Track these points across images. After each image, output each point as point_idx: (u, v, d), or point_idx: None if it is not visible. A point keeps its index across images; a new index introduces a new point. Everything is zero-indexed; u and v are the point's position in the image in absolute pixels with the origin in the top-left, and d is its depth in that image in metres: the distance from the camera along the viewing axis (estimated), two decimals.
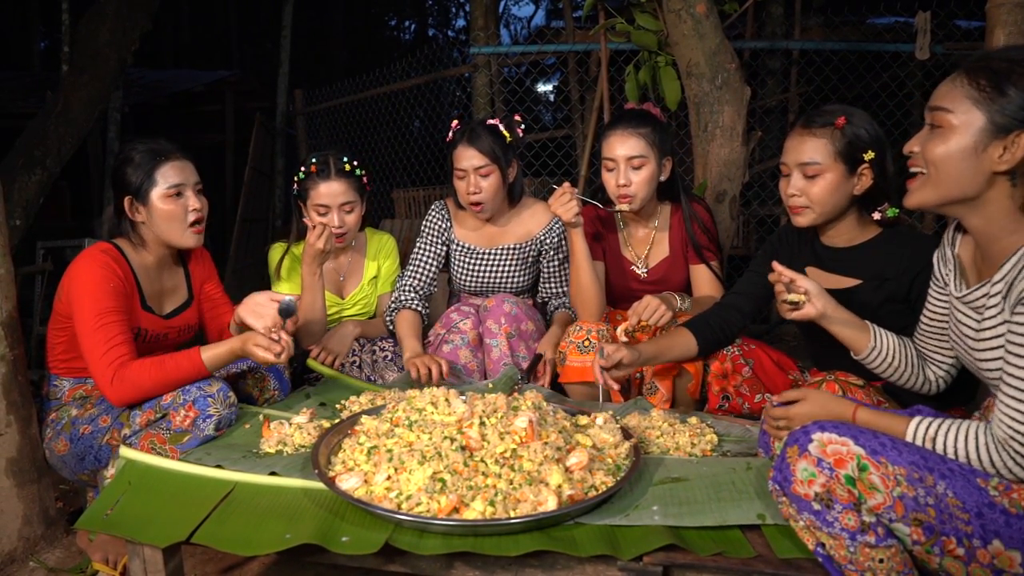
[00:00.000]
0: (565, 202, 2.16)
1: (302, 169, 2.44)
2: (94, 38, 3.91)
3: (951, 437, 1.19)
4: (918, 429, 1.23)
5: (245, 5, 16.65)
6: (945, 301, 1.47)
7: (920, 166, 1.28)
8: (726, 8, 3.02)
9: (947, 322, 1.46)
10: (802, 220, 1.83)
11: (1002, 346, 1.20)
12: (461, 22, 21.58)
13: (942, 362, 1.57)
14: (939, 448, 1.20)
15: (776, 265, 1.65)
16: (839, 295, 1.70)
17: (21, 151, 3.77)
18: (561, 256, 2.56)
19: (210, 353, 1.80)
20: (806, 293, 1.62)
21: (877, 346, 1.60)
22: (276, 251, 2.58)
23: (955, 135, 1.21)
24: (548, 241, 2.55)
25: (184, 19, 16.25)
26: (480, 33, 4.39)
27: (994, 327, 1.23)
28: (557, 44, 4.63)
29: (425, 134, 5.88)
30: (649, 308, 2.07)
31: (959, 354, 1.37)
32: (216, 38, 17.05)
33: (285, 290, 2.52)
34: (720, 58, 2.71)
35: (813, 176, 1.77)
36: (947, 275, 1.40)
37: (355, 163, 2.45)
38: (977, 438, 1.17)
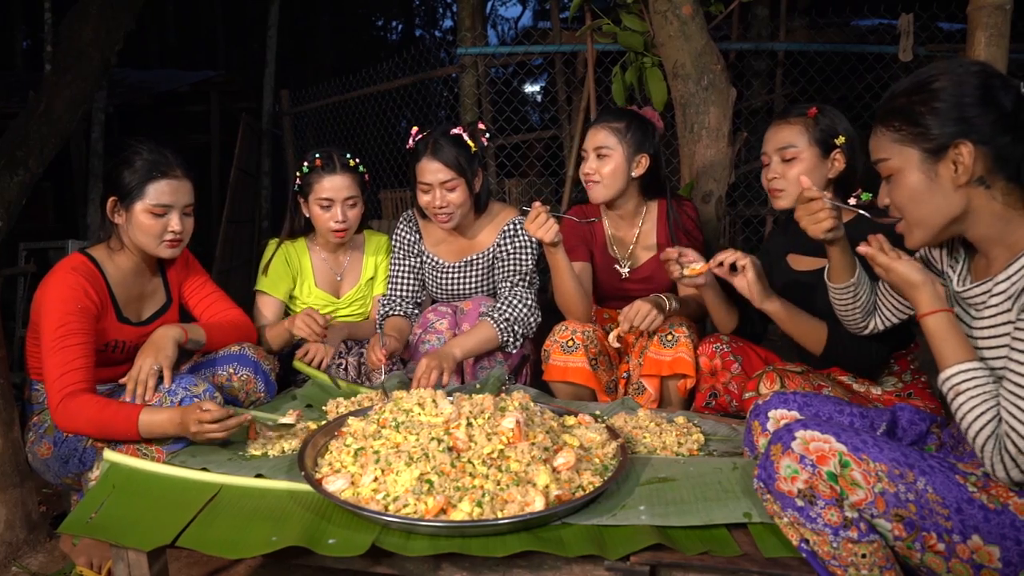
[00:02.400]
0: (542, 223, 2.06)
1: (305, 164, 2.44)
2: (77, 38, 3.87)
3: (969, 405, 1.17)
4: (956, 376, 1.20)
5: (231, 5, 16.53)
6: None
7: (895, 215, 1.34)
8: (712, 9, 3.04)
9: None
10: (782, 203, 1.99)
11: (1001, 346, 1.22)
12: (448, 22, 21.57)
13: (887, 317, 1.66)
14: (955, 405, 1.19)
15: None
16: (813, 275, 1.88)
17: (3, 152, 3.73)
18: (511, 248, 2.48)
19: (148, 417, 1.69)
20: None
21: (856, 282, 1.68)
22: (272, 247, 2.57)
23: (904, 176, 1.27)
24: (501, 243, 2.50)
25: (169, 19, 16.12)
26: (467, 34, 4.38)
27: (993, 326, 1.24)
28: (544, 45, 4.64)
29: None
30: (640, 314, 2.08)
31: None
32: (202, 38, 16.93)
33: (266, 287, 2.51)
34: (706, 59, 2.72)
35: (790, 160, 1.95)
36: (950, 266, 1.41)
37: (357, 160, 2.47)
38: (988, 424, 1.15)
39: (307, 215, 2.50)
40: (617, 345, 2.21)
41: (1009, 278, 1.21)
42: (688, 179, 2.86)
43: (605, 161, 2.29)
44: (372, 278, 2.64)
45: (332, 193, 2.41)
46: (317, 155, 2.44)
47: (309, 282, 2.57)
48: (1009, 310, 1.21)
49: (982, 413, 1.17)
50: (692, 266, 1.95)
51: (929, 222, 1.28)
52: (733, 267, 1.87)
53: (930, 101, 1.22)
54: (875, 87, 4.42)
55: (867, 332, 1.72)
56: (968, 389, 1.19)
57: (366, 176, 2.51)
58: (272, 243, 2.59)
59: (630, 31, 3.02)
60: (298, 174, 2.47)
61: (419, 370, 2.10)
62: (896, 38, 3.71)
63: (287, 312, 2.57)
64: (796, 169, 1.93)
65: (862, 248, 1.41)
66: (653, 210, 2.44)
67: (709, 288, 2.05)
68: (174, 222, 1.93)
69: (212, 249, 5.99)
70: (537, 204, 2.10)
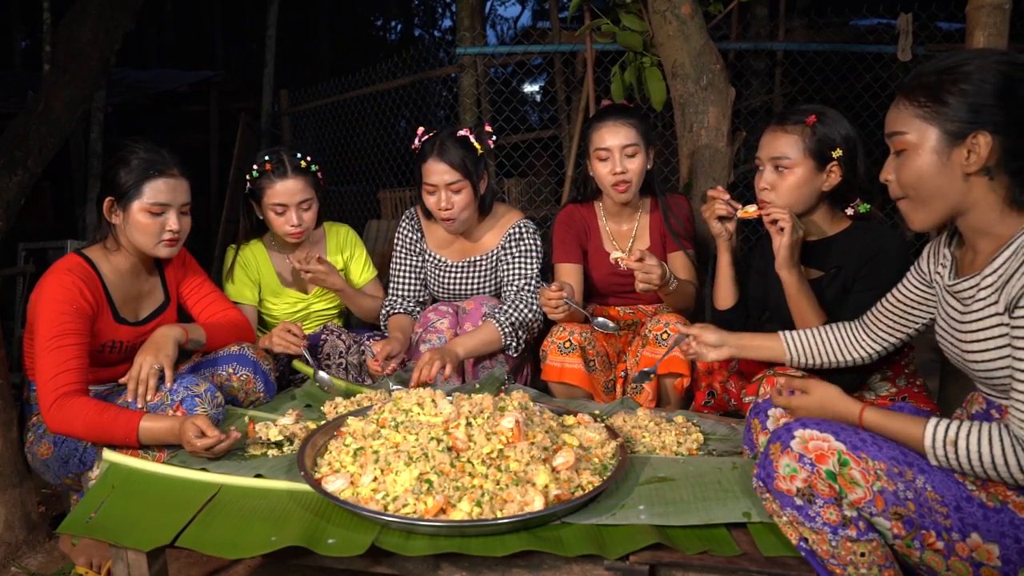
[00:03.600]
0: (554, 306, 2.13)
1: (255, 167, 2.40)
2: (76, 37, 3.86)
3: (974, 440, 1.15)
4: (936, 432, 1.18)
5: (230, 5, 16.53)
6: (920, 293, 1.51)
7: (898, 193, 1.32)
8: (711, 9, 3.04)
9: (909, 309, 1.54)
10: None
11: (989, 338, 1.22)
12: (447, 22, 21.57)
13: (883, 339, 1.64)
14: (961, 451, 1.15)
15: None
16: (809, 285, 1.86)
17: (2, 152, 3.72)
18: (517, 251, 2.51)
19: (149, 424, 1.68)
20: (696, 338, 1.84)
21: (793, 356, 1.76)
22: (231, 254, 2.54)
23: (918, 154, 1.26)
24: (506, 246, 2.52)
25: (168, 18, 16.12)
26: (466, 33, 4.38)
27: (982, 319, 1.24)
28: (543, 45, 4.63)
29: (411, 134, 5.84)
30: (651, 266, 2.05)
31: (943, 347, 1.39)
32: (200, 38, 16.92)
33: (235, 296, 2.46)
34: (705, 59, 2.72)
35: (783, 170, 1.86)
36: (939, 271, 1.42)
37: (309, 159, 2.42)
38: (1002, 440, 1.12)
39: (260, 217, 2.46)
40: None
41: (995, 271, 1.22)
42: (687, 178, 2.86)
43: (634, 159, 2.29)
44: (341, 270, 2.61)
45: (285, 198, 2.37)
46: (267, 158, 2.38)
47: (274, 284, 2.54)
48: (996, 302, 1.21)
49: (990, 436, 1.14)
50: (746, 208, 1.95)
51: (932, 205, 1.27)
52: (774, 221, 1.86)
53: (959, 83, 1.21)
54: (874, 87, 4.42)
55: (853, 364, 1.72)
56: (958, 432, 1.17)
57: (319, 175, 2.47)
58: (231, 250, 2.55)
59: (629, 31, 3.02)
60: (248, 177, 2.42)
61: (421, 362, 2.11)
62: (895, 38, 3.71)
63: (260, 316, 2.55)
64: (788, 181, 1.86)
65: (779, 400, 1.46)
66: (647, 205, 2.47)
67: (731, 244, 2.05)
68: (172, 221, 1.92)
69: (212, 249, 5.99)
70: (556, 291, 2.11)
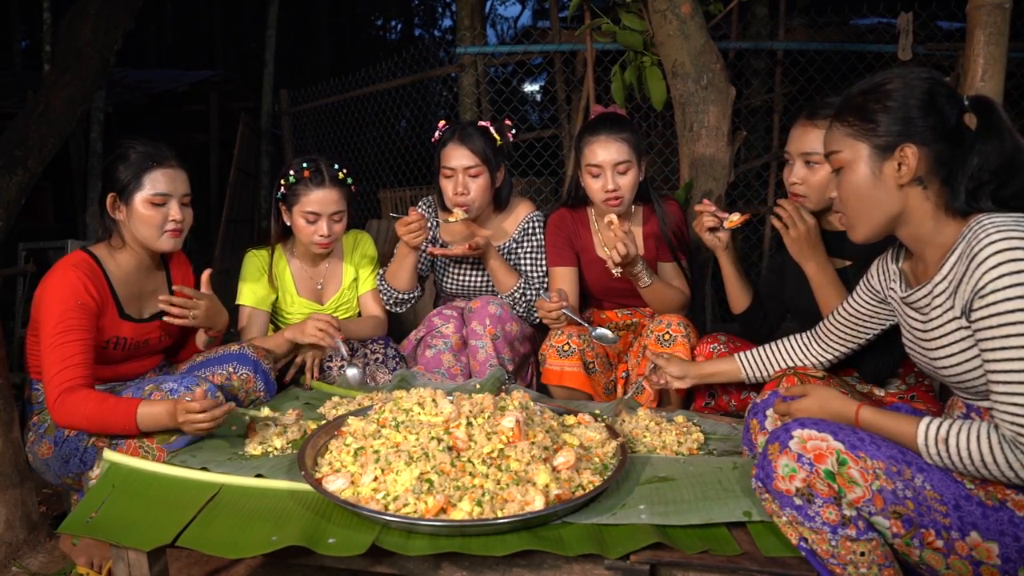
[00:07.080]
0: (554, 318, 2.17)
1: (292, 172, 2.37)
2: (76, 37, 3.87)
3: (963, 438, 1.16)
4: (928, 430, 1.20)
5: (230, 4, 16.53)
6: (871, 308, 1.58)
7: (839, 207, 1.39)
8: (711, 8, 3.04)
9: (860, 322, 1.61)
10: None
11: (953, 342, 1.24)
12: (447, 22, 21.56)
13: (835, 350, 1.72)
14: (952, 449, 1.17)
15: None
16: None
17: (2, 152, 3.73)
18: (529, 247, 2.53)
19: (147, 409, 1.69)
20: (663, 378, 1.94)
21: (748, 374, 1.86)
22: (251, 258, 2.48)
23: (852, 170, 1.33)
24: (519, 239, 2.54)
25: (168, 18, 16.13)
26: (466, 33, 4.38)
27: (942, 326, 1.26)
28: (543, 44, 4.62)
29: (411, 134, 5.86)
30: (628, 246, 2.08)
31: (913, 358, 1.41)
32: (200, 38, 16.93)
33: (250, 301, 2.42)
34: (705, 58, 2.72)
35: (815, 165, 1.88)
36: (892, 287, 1.47)
37: (345, 171, 2.41)
38: (989, 438, 1.14)
39: (287, 223, 2.43)
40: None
41: (945, 277, 1.25)
42: (687, 178, 2.86)
43: (626, 176, 2.26)
44: (355, 279, 2.60)
45: (319, 207, 2.33)
46: (305, 165, 2.35)
47: (291, 292, 2.51)
48: (952, 307, 1.23)
49: (979, 435, 1.16)
50: (731, 218, 1.95)
51: (871, 217, 1.33)
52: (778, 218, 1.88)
53: (883, 100, 1.28)
54: None
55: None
56: (949, 431, 1.19)
57: (353, 188, 2.45)
58: (250, 254, 2.50)
59: (629, 30, 3.02)
60: (283, 182, 2.38)
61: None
62: (895, 37, 3.70)
63: (274, 321, 2.53)
64: (820, 175, 1.85)
65: (780, 408, 1.47)
66: (640, 213, 2.46)
67: (728, 252, 2.05)
68: (174, 211, 1.94)
69: (212, 249, 5.99)
70: (555, 302, 2.15)
